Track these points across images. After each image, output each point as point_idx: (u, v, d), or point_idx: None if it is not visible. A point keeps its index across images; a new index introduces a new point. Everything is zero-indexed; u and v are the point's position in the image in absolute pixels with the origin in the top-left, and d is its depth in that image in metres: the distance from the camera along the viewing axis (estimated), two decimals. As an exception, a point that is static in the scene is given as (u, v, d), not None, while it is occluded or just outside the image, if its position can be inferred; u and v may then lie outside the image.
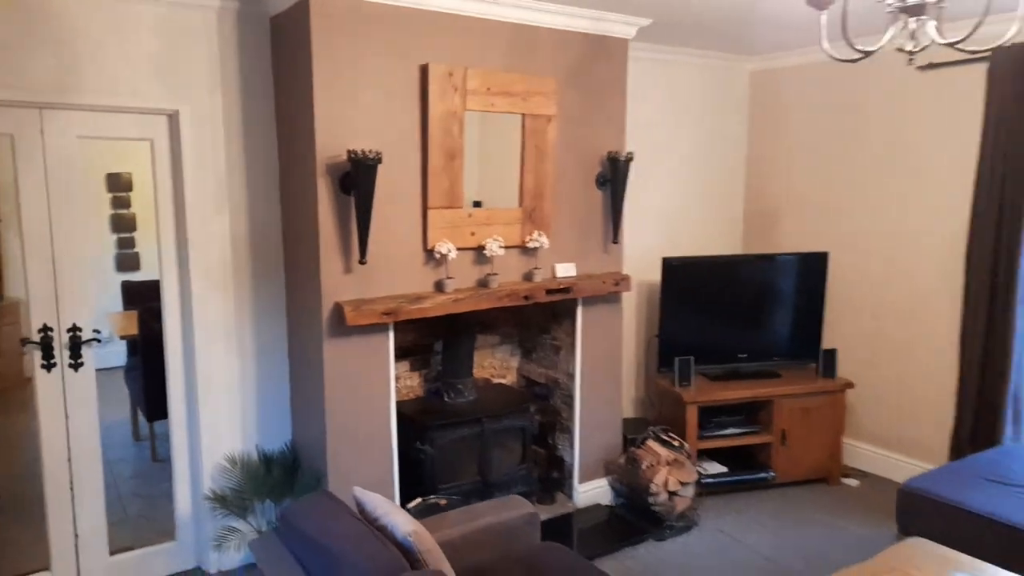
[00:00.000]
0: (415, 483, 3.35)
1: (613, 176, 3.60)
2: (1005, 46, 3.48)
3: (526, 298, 3.33)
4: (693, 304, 4.22)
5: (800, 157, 4.56)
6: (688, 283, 4.19)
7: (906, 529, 3.01)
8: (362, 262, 2.89)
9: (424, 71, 3.03)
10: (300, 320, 3.17)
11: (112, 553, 3.07)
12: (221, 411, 3.19)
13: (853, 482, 4.15)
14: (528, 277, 3.44)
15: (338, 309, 2.90)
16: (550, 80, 3.35)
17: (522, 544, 2.58)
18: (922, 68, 3.84)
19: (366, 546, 1.72)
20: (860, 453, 4.31)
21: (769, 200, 4.77)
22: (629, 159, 3.57)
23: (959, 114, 3.75)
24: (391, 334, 3.10)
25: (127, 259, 3.64)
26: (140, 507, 3.47)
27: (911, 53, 1.68)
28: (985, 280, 3.59)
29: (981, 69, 3.58)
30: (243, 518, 3.10)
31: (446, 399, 3.56)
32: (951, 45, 1.64)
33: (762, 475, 4.06)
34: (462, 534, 2.46)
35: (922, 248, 3.99)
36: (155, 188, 3.05)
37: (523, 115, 3.31)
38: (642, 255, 4.40)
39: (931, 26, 1.63)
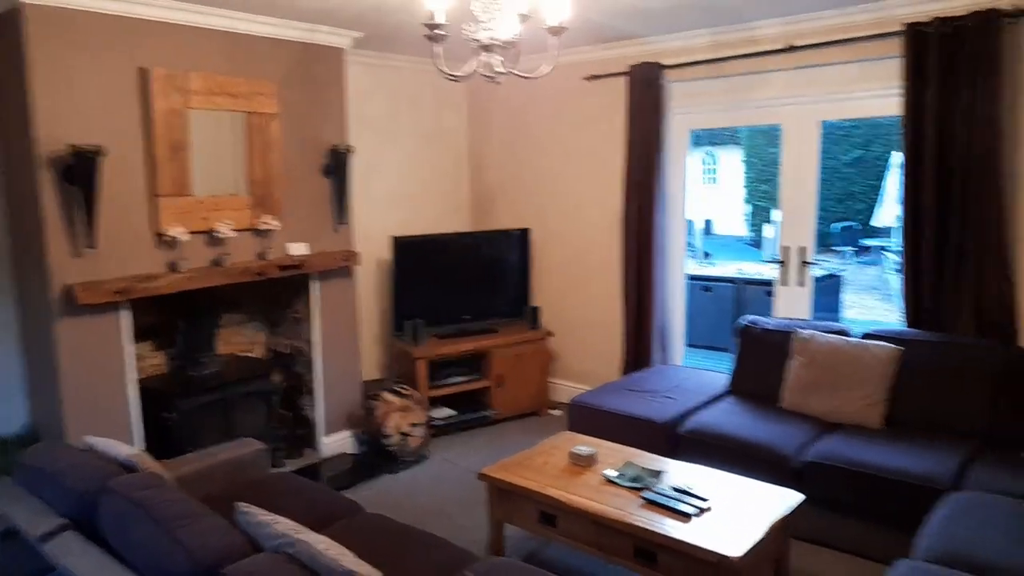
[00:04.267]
0: (165, 449, 3.66)
1: (337, 166, 4.15)
2: (638, 64, 4.54)
3: (259, 274, 3.78)
4: (423, 275, 4.92)
5: (508, 148, 5.45)
6: (417, 258, 4.88)
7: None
8: (91, 247, 3.17)
9: (144, 73, 3.35)
10: (31, 303, 3.35)
11: None
12: (-50, 398, 3.28)
13: (557, 412, 5.13)
14: (262, 256, 3.89)
15: (68, 291, 3.15)
16: (270, 83, 3.82)
17: (253, 475, 3.07)
18: (586, 79, 4.85)
19: (89, 463, 2.13)
20: (563, 388, 5.31)
21: (488, 185, 5.63)
22: (349, 151, 4.15)
23: (613, 113, 4.80)
24: (126, 312, 3.39)
25: None
26: None
27: (489, 77, 2.43)
28: (634, 241, 4.67)
29: (623, 80, 4.64)
30: (-18, 497, 3.23)
31: (191, 372, 3.90)
32: (507, 73, 2.42)
33: (484, 414, 4.88)
34: (197, 470, 2.90)
35: (595, 219, 5.03)
36: None
37: (247, 113, 3.75)
38: (382, 234, 5.02)
39: (496, 60, 2.39)
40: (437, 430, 4.70)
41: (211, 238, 3.66)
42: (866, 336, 3.73)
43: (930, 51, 3.40)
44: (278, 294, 4.37)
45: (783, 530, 2.73)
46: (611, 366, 5.02)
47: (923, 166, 3.54)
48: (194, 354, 3.90)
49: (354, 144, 4.31)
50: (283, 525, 1.77)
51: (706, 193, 16.56)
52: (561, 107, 5.09)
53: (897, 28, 3.52)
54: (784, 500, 2.74)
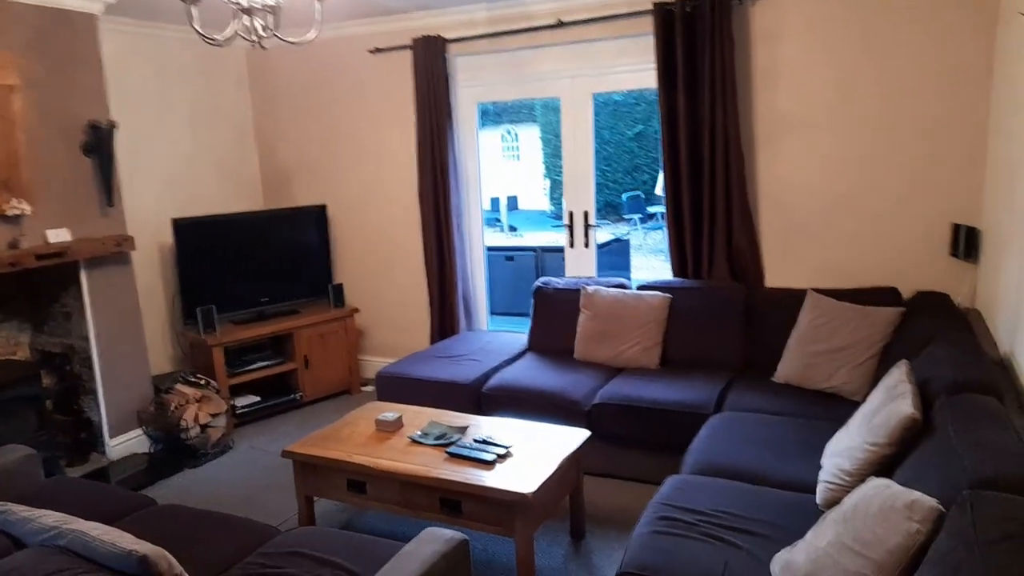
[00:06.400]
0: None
1: (99, 144, 3.79)
2: (420, 37, 4.59)
3: (12, 265, 3.37)
4: (212, 259, 4.65)
5: (299, 124, 5.28)
6: (204, 240, 4.60)
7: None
8: None
9: None
10: None
11: None
12: None
13: (370, 388, 5.12)
14: (14, 245, 3.47)
15: None
16: (6, 52, 3.39)
17: (23, 485, 2.77)
18: (371, 52, 4.83)
19: None
20: (375, 364, 5.30)
21: (280, 162, 5.42)
22: (112, 127, 3.80)
23: (402, 86, 4.83)
24: None
25: None
26: None
27: (252, 41, 2.37)
28: (431, 214, 4.77)
29: (408, 54, 4.67)
30: None
31: (-66, 382, 3.41)
32: (269, 37, 2.37)
33: (291, 397, 4.76)
34: (-53, 488, 2.56)
35: (394, 194, 5.05)
36: None
37: (-21, 84, 3.30)
38: (163, 217, 4.66)
39: (258, 23, 2.34)
40: (242, 418, 4.51)
41: (-54, 228, 3.21)
42: (641, 288, 4.13)
43: (676, 28, 3.80)
44: (40, 288, 3.92)
45: (575, 464, 2.99)
46: (420, 337, 5.10)
47: (678, 135, 3.97)
48: (-64, 362, 3.41)
49: (120, 120, 3.96)
50: (50, 518, 1.64)
51: (509, 170, 17.09)
52: (350, 81, 5.02)
53: (648, 7, 3.90)
54: (573, 438, 2.99)
